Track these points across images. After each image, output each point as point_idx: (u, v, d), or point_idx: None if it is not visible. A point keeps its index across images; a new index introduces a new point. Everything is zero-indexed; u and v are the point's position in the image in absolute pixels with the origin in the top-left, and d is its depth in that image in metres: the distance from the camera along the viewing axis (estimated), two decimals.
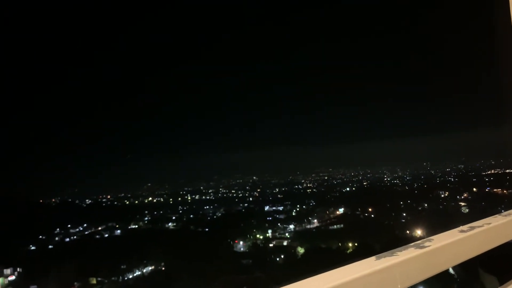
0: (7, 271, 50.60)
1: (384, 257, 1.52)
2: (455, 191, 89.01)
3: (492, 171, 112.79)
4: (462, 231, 1.90)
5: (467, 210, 71.13)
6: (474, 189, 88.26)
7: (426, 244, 1.68)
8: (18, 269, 52.63)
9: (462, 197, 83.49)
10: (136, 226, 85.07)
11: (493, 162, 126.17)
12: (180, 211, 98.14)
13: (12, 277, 50.76)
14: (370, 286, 1.38)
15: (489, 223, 2.03)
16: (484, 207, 65.46)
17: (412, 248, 1.62)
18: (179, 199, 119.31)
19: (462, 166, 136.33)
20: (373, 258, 1.51)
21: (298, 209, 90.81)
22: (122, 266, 57.42)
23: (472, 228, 1.94)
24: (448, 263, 1.75)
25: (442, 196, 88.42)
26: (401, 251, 1.59)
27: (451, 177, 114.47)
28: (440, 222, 60.69)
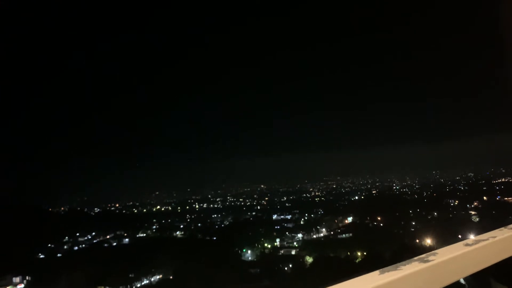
0: (16, 279, 50.88)
1: (388, 271, 1.53)
2: (465, 200, 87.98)
3: (503, 179, 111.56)
4: (467, 244, 1.89)
5: (477, 219, 70.19)
6: (485, 197, 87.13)
7: (431, 258, 1.69)
8: (27, 277, 52.91)
9: (472, 206, 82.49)
10: (144, 235, 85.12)
11: (503, 170, 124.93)
12: (188, 220, 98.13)
13: (21, 286, 51.01)
14: None
15: (494, 237, 2.02)
16: (495, 216, 64.54)
17: (416, 262, 1.63)
18: (187, 207, 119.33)
19: (472, 174, 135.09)
20: (376, 272, 1.52)
21: (306, 218, 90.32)
22: (130, 275, 57.42)
23: (477, 241, 1.93)
24: (452, 277, 1.74)
25: (452, 204, 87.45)
26: (405, 265, 1.60)
27: (461, 185, 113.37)
28: (450, 231, 59.99)
